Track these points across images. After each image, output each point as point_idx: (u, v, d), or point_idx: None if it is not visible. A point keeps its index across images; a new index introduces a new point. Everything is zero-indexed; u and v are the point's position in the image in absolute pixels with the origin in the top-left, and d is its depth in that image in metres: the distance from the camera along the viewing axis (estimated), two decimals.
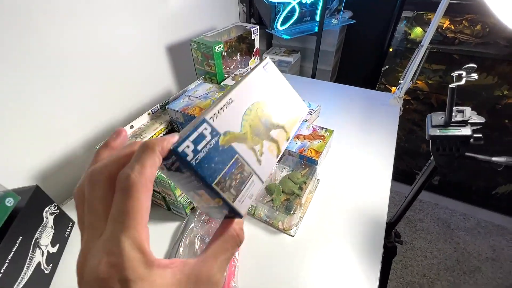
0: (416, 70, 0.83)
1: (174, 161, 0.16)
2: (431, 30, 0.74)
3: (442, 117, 0.38)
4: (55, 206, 0.53)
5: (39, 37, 0.53)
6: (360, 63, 1.48)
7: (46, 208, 0.50)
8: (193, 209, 0.58)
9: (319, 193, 0.62)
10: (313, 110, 0.83)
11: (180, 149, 0.16)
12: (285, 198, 0.56)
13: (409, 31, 1.22)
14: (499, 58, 1.10)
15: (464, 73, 0.34)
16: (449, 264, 1.32)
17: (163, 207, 0.60)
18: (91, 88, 0.66)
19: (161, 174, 0.28)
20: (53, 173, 0.63)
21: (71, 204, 0.63)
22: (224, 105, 0.19)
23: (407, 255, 1.37)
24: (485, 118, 0.36)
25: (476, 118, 0.36)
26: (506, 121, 1.23)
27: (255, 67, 0.23)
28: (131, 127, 0.56)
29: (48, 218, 0.50)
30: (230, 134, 0.18)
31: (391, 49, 1.33)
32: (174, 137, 0.17)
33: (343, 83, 1.03)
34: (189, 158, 0.16)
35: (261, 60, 1.06)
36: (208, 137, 0.17)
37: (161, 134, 0.57)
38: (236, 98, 0.20)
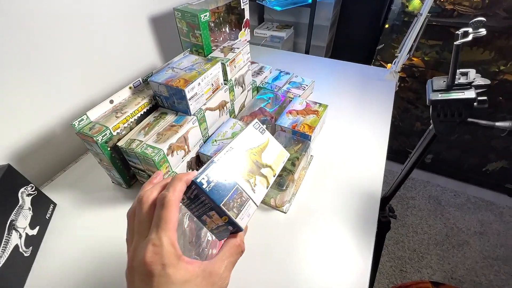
0: (413, 43, 0.79)
1: (193, 189, 0.24)
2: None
3: (444, 81, 0.35)
4: (32, 187, 0.49)
5: (8, 6, 0.47)
6: (356, 39, 1.43)
7: (22, 189, 0.47)
8: None
9: (312, 169, 0.60)
10: (307, 86, 0.79)
11: (198, 180, 0.23)
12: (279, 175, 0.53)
13: (407, 3, 1.16)
14: (497, 31, 1.06)
15: (470, 29, 0.31)
16: (438, 239, 1.36)
17: None
18: (69, 63, 0.61)
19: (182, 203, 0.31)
20: (29, 153, 0.59)
21: (53, 186, 0.59)
22: (227, 151, 0.27)
23: (399, 231, 1.39)
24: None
25: (481, 81, 0.33)
26: (500, 98, 1.22)
27: (247, 125, 0.33)
28: (111, 101, 0.51)
29: (25, 200, 0.47)
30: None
31: (387, 26, 1.28)
32: (195, 174, 0.25)
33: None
34: (204, 186, 0.23)
35: (251, 33, 1.00)
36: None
37: (144, 109, 0.53)
38: (235, 146, 0.28)
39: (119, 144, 0.48)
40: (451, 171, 1.57)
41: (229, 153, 0.27)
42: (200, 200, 0.24)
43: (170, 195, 0.22)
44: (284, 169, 0.54)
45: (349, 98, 0.81)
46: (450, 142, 1.43)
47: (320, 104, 0.68)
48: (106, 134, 0.47)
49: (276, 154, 0.32)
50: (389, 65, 1.34)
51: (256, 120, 0.34)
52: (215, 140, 0.58)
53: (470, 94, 0.32)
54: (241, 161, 0.27)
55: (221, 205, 0.23)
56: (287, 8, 1.04)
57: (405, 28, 1.23)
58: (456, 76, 0.34)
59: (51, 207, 0.54)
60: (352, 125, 0.72)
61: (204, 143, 0.59)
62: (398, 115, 1.48)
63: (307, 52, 1.12)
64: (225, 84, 0.63)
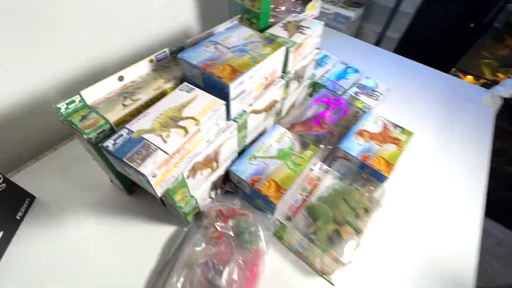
0: None
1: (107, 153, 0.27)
2: None
3: None
4: (0, 179, 0.35)
5: None
6: (436, 35, 1.15)
7: None
8: (198, 215, 0.41)
9: (378, 224, 0.43)
10: (380, 94, 0.59)
11: (104, 144, 0.26)
12: (334, 229, 0.37)
13: None
14: None
15: None
16: None
17: (158, 201, 0.43)
18: (69, 9, 0.44)
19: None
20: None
21: (31, 172, 0.46)
22: (141, 116, 0.29)
23: None
24: None
25: None
26: None
27: (174, 89, 0.33)
28: (120, 78, 0.35)
29: None
30: (141, 130, 0.27)
31: (472, 25, 1.00)
32: None
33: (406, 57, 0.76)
34: (110, 148, 0.26)
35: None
36: (124, 135, 0.27)
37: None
38: (151, 111, 0.30)
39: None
40: (499, 213, 1.35)
41: (144, 117, 0.29)
42: (112, 159, 0.27)
43: None
44: (344, 222, 0.37)
45: (428, 120, 0.61)
46: None
47: (403, 130, 0.49)
48: (104, 130, 0.31)
49: (204, 105, 0.31)
50: (469, 77, 1.08)
51: (185, 83, 0.34)
52: (254, 157, 0.41)
53: None
54: (154, 120, 0.29)
55: (124, 159, 0.25)
56: None
57: (507, 35, 0.95)
58: None
59: (27, 202, 0.40)
60: (430, 160, 0.53)
61: (238, 156, 0.43)
62: (504, 150, 1.23)
63: (377, 44, 0.89)
64: (281, 78, 0.44)
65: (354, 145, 0.45)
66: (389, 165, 0.43)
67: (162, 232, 0.40)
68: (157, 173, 0.26)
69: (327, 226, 0.37)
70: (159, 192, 0.28)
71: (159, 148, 0.27)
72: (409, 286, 0.37)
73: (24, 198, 0.40)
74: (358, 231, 0.37)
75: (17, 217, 0.39)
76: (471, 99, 0.67)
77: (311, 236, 0.36)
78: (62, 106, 0.30)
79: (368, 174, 0.43)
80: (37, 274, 0.35)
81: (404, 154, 0.45)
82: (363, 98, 0.57)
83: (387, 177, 0.42)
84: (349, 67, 0.65)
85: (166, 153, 0.26)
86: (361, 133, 0.47)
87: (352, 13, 0.92)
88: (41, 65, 0.45)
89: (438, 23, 1.10)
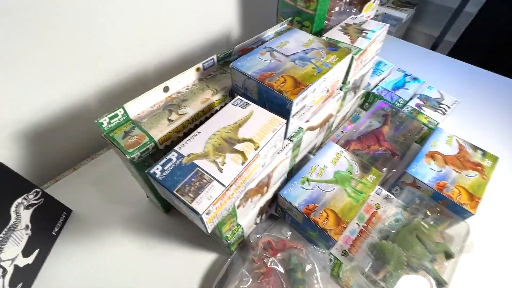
0: None
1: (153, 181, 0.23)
2: None
3: None
4: (37, 194, 0.33)
5: None
6: (495, 39, 1.01)
7: (18, 200, 0.31)
8: (241, 244, 0.36)
9: (462, 273, 0.35)
10: (448, 107, 0.51)
11: (152, 171, 0.23)
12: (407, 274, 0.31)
13: None
14: None
15: None
16: None
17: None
18: (111, 11, 0.41)
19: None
20: (38, 139, 0.43)
21: (67, 182, 0.44)
22: (191, 137, 0.25)
23: None
24: None
25: None
26: None
27: (226, 104, 0.28)
28: (166, 89, 0.32)
29: (21, 215, 0.31)
30: (193, 155, 0.23)
31: None
32: None
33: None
34: (157, 176, 0.22)
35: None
36: (174, 159, 0.23)
37: (213, 111, 0.33)
38: (202, 130, 0.26)
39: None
40: None
41: (194, 138, 0.25)
42: (161, 189, 0.24)
43: None
44: (419, 267, 0.31)
45: (507, 138, 0.51)
46: None
47: (485, 153, 0.40)
48: (147, 149, 0.28)
49: (262, 124, 0.26)
50: None
51: (238, 97, 0.29)
52: (308, 180, 0.36)
53: None
54: (206, 142, 0.25)
55: (174, 191, 0.21)
56: None
57: None
58: None
59: (63, 216, 0.38)
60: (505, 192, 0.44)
61: (287, 179, 0.37)
62: None
63: (434, 48, 0.79)
64: (341, 89, 0.39)
65: (425, 170, 0.38)
66: (474, 198, 0.35)
67: (202, 259, 0.36)
68: (211, 209, 0.21)
69: (400, 272, 0.30)
70: (210, 228, 0.23)
71: (215, 178, 0.22)
72: None
73: (61, 212, 0.38)
74: (441, 283, 0.30)
75: (53, 233, 0.36)
76: None
77: (381, 283, 0.30)
78: (105, 121, 0.27)
79: (444, 207, 0.36)
80: None
81: (489, 184, 0.37)
82: (427, 111, 0.49)
83: (471, 213, 0.34)
84: (407, 75, 0.57)
85: (223, 185, 0.22)
86: (432, 156, 0.40)
87: (403, 14, 0.83)
88: (84, 73, 0.43)
89: (503, 24, 0.96)
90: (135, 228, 0.39)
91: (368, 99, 0.54)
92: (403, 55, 0.69)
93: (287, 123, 0.28)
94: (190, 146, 0.24)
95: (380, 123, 0.47)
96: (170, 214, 0.40)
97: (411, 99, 0.52)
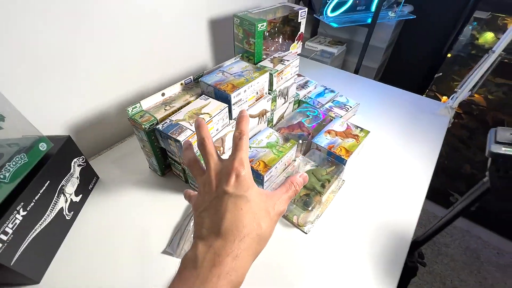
0: (479, 80, 0.72)
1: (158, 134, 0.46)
2: (508, 35, 0.63)
3: (511, 133, 0.32)
4: (83, 159, 0.55)
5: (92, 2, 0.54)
6: (411, 65, 1.35)
7: (75, 159, 0.52)
8: None
9: (342, 195, 0.58)
10: (351, 107, 0.77)
11: (157, 127, 0.48)
12: (304, 193, 0.53)
13: (477, 36, 1.07)
14: None
15: None
16: None
17: (181, 179, 0.60)
18: (132, 52, 0.67)
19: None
20: (85, 128, 0.66)
21: (98, 160, 0.66)
22: (177, 113, 0.47)
23: (424, 277, 1.27)
24: None
25: None
26: None
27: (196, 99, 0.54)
28: (163, 94, 0.55)
29: (75, 169, 0.52)
30: (177, 120, 0.46)
31: (449, 55, 1.19)
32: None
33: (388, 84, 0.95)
34: (160, 128, 0.46)
35: (303, 46, 0.99)
36: (168, 122, 0.46)
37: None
38: (183, 110, 0.50)
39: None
40: (498, 225, 1.39)
41: (179, 113, 0.50)
42: (161, 136, 0.49)
43: (244, 132, 0.29)
44: (312, 188, 0.53)
45: (395, 127, 0.77)
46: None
47: (362, 129, 0.65)
48: (153, 124, 0.51)
49: (214, 107, 0.50)
50: (444, 98, 1.25)
51: (203, 95, 0.54)
52: (250, 147, 0.59)
53: None
54: (184, 114, 0.49)
55: (169, 133, 0.45)
56: (344, 26, 1.03)
57: (471, 61, 1.13)
58: None
59: (95, 179, 0.59)
60: (394, 157, 0.68)
61: None
62: (446, 152, 1.36)
63: (356, 72, 1.09)
64: (269, 93, 0.64)
65: (323, 140, 0.62)
66: (348, 152, 0.59)
67: (183, 201, 0.57)
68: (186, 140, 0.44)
69: (303, 190, 0.52)
70: None
71: (188, 128, 0.45)
72: (364, 233, 0.51)
73: (93, 176, 0.59)
74: (321, 194, 0.52)
75: (89, 188, 0.57)
76: (429, 111, 0.83)
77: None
78: (130, 109, 0.51)
79: (333, 159, 0.59)
80: (100, 228, 0.52)
81: (361, 146, 0.61)
82: (336, 109, 0.75)
83: (346, 160, 0.57)
84: (327, 88, 0.84)
85: (192, 131, 0.45)
86: (329, 131, 0.64)
87: (335, 50, 1.14)
88: (112, 86, 0.67)
89: (410, 53, 1.31)
90: (141, 187, 0.60)
91: (299, 104, 0.79)
92: (330, 76, 0.98)
93: (229, 107, 0.52)
94: (176, 117, 0.48)
95: (304, 118, 0.72)
96: (165, 177, 0.62)
97: (327, 103, 0.78)
